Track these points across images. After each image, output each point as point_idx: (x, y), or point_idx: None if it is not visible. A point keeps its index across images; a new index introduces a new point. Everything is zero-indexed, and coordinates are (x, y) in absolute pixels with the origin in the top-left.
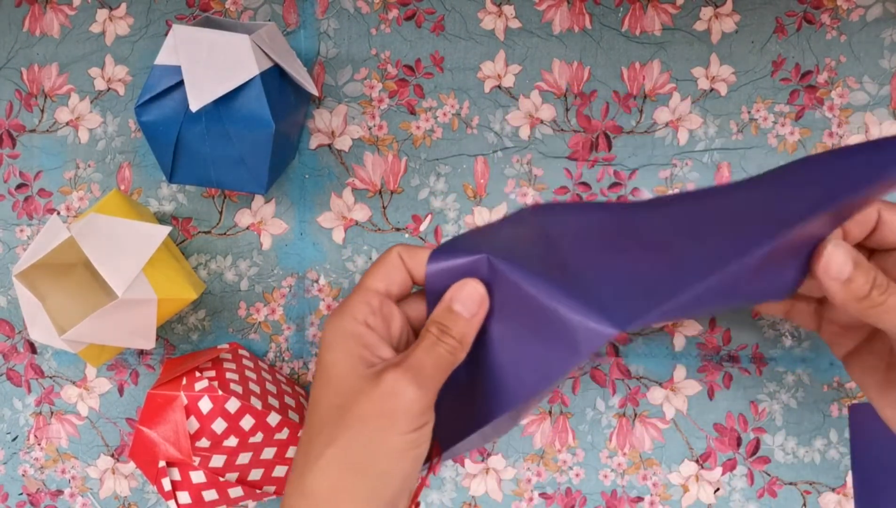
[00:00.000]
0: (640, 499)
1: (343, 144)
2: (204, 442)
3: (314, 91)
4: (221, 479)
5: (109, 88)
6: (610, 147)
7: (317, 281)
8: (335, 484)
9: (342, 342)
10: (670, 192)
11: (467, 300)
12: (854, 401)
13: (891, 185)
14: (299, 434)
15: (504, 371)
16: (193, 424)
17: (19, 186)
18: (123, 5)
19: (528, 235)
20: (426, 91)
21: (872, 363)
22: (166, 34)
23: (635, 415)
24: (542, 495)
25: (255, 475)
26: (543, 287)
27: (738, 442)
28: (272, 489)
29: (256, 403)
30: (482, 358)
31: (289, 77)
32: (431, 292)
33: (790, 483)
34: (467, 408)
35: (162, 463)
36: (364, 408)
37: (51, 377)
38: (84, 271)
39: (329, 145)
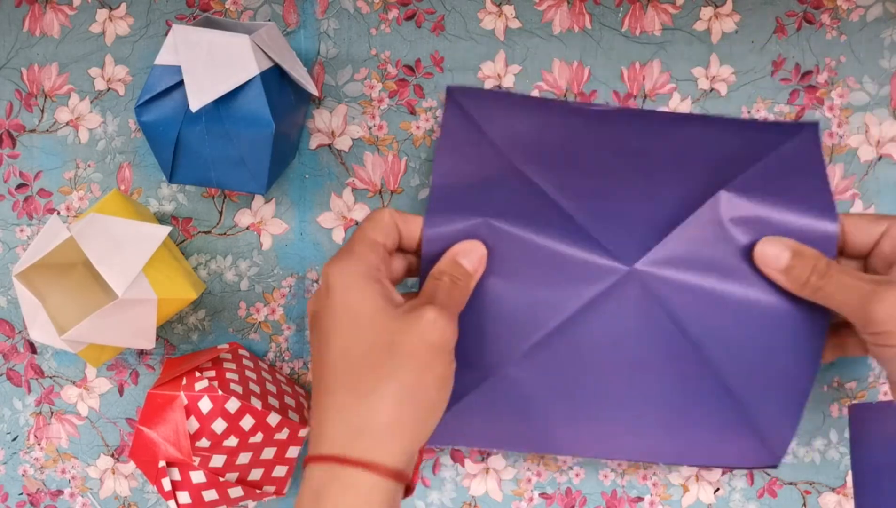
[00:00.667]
0: (640, 499)
1: (343, 144)
2: (204, 442)
3: (314, 91)
4: (221, 479)
5: (109, 88)
6: None
7: (317, 281)
8: (392, 418)
9: (362, 284)
10: None
11: (472, 255)
12: (854, 401)
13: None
14: (312, 389)
15: (513, 318)
16: (193, 424)
17: (19, 186)
18: (123, 5)
19: (520, 188)
20: (426, 91)
21: None
22: (166, 34)
23: None
24: (542, 495)
25: (255, 475)
26: (548, 236)
27: None
28: (272, 489)
29: (256, 403)
30: (487, 313)
31: (289, 77)
32: (429, 253)
33: (790, 483)
34: (477, 361)
35: (162, 463)
36: (413, 342)
37: (51, 377)
38: (84, 271)
39: (329, 145)
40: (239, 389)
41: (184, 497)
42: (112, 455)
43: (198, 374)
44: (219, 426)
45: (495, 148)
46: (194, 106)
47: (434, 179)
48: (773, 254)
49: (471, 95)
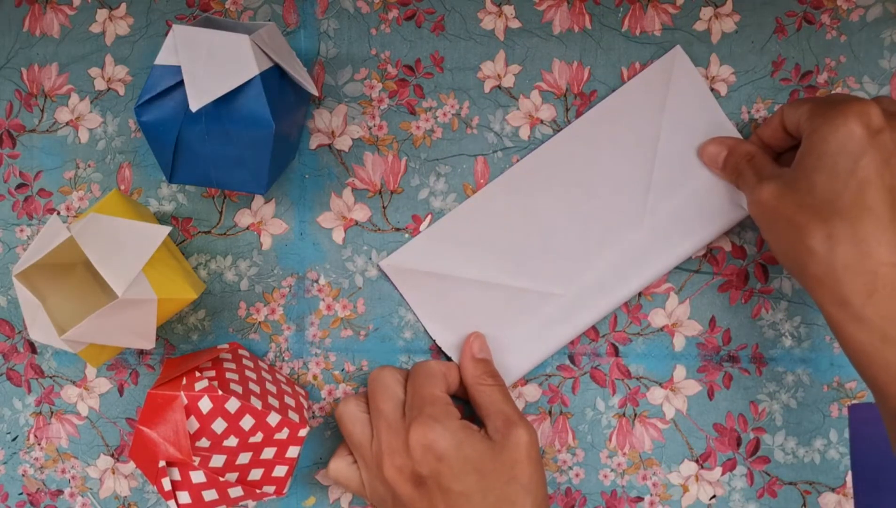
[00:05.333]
0: (639, 499)
1: (343, 144)
2: (204, 442)
3: (314, 91)
4: (221, 479)
5: (109, 88)
6: None
7: (317, 281)
8: None
9: (464, 434)
10: None
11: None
12: (854, 401)
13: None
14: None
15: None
16: (193, 424)
17: (19, 186)
18: (123, 5)
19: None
20: (426, 91)
21: None
22: (166, 34)
23: (635, 415)
24: None
25: (255, 475)
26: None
27: (738, 442)
28: (272, 489)
29: (256, 403)
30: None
31: (289, 77)
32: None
33: (790, 483)
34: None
35: (162, 463)
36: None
37: (51, 377)
38: (84, 271)
39: (329, 145)
40: (239, 389)
41: (184, 497)
42: (112, 455)
43: (198, 374)
44: (219, 426)
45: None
46: (194, 106)
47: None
48: (712, 153)
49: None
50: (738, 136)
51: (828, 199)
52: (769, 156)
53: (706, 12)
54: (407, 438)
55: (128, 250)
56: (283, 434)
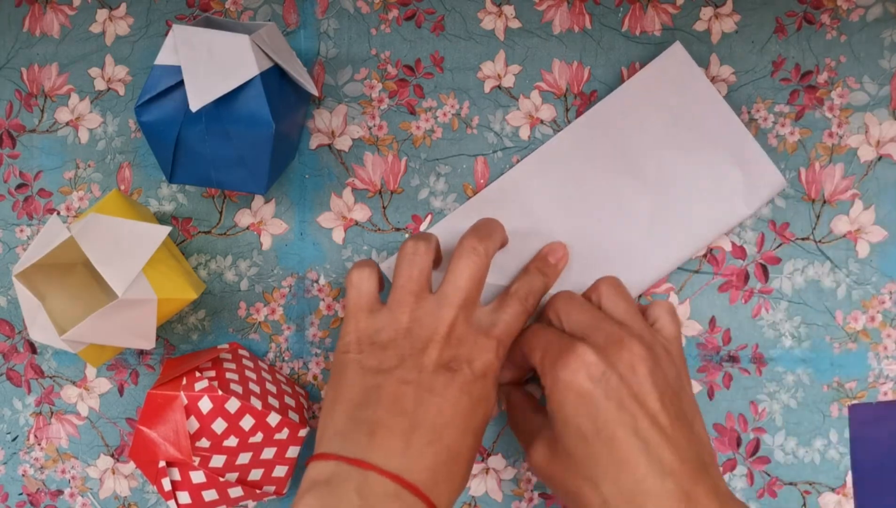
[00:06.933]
0: None
1: (343, 144)
2: (204, 442)
3: (314, 91)
4: (221, 479)
5: (109, 88)
6: None
7: (317, 281)
8: None
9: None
10: None
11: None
12: (854, 401)
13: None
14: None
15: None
16: (193, 424)
17: (19, 187)
18: (123, 5)
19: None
20: (426, 91)
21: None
22: (166, 34)
23: None
24: (542, 495)
25: (255, 475)
26: None
27: (738, 442)
28: (272, 489)
29: (256, 403)
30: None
31: (289, 77)
32: None
33: (790, 483)
34: None
35: (162, 463)
36: None
37: (51, 377)
38: (84, 271)
39: (329, 145)
40: (239, 389)
41: (184, 497)
42: (112, 455)
43: (198, 374)
44: (219, 426)
45: None
46: (194, 106)
47: None
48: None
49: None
50: (744, 127)
51: (588, 463)
52: (531, 404)
53: (706, 12)
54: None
55: (128, 250)
56: (283, 434)
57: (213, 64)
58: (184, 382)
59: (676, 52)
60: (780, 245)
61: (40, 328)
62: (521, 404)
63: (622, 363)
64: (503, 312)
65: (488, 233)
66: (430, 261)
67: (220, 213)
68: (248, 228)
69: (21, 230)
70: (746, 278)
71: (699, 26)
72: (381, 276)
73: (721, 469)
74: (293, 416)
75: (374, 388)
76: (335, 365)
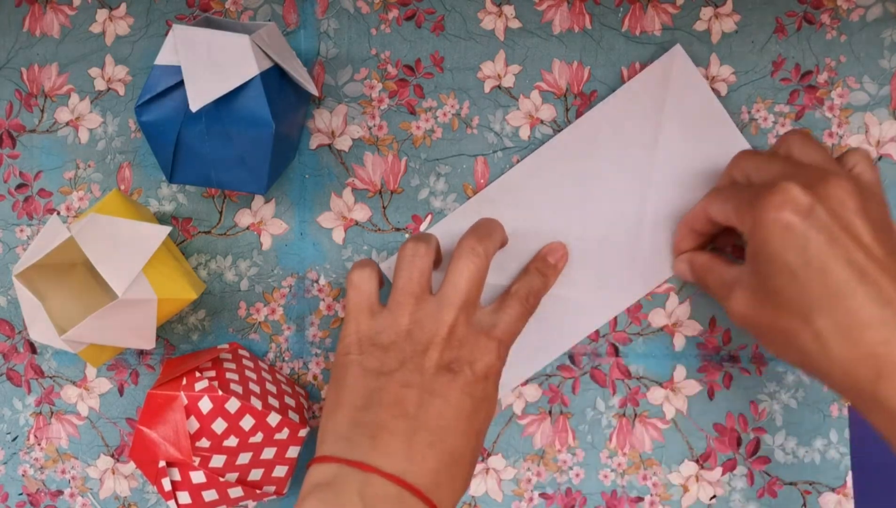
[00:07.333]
0: (640, 499)
1: (343, 144)
2: (204, 442)
3: (314, 91)
4: (221, 479)
5: (109, 88)
6: None
7: (317, 281)
8: None
9: None
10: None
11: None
12: None
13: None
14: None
15: None
16: (193, 424)
17: (19, 187)
18: (123, 5)
19: None
20: (426, 91)
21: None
22: (166, 34)
23: (635, 415)
24: (542, 495)
25: (255, 475)
26: None
27: (738, 442)
28: (272, 489)
29: (256, 403)
30: None
31: (289, 77)
32: None
33: (790, 483)
34: None
35: (162, 463)
36: None
37: (51, 377)
38: (84, 271)
39: (329, 145)
40: (239, 389)
41: (184, 497)
42: (112, 455)
43: (198, 374)
44: (219, 426)
45: None
46: (194, 106)
47: None
48: (682, 272)
49: None
50: (739, 134)
51: (797, 299)
52: (722, 259)
53: (706, 12)
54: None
55: (128, 250)
56: (284, 435)
57: (213, 64)
58: (184, 382)
59: (676, 54)
60: None
61: (40, 328)
62: (710, 262)
63: (831, 197)
64: (504, 312)
65: (488, 233)
66: (430, 262)
67: (220, 213)
68: (248, 228)
69: (21, 230)
70: None
71: (699, 26)
72: (382, 275)
73: (721, 469)
74: (293, 416)
75: (375, 390)
76: (336, 367)
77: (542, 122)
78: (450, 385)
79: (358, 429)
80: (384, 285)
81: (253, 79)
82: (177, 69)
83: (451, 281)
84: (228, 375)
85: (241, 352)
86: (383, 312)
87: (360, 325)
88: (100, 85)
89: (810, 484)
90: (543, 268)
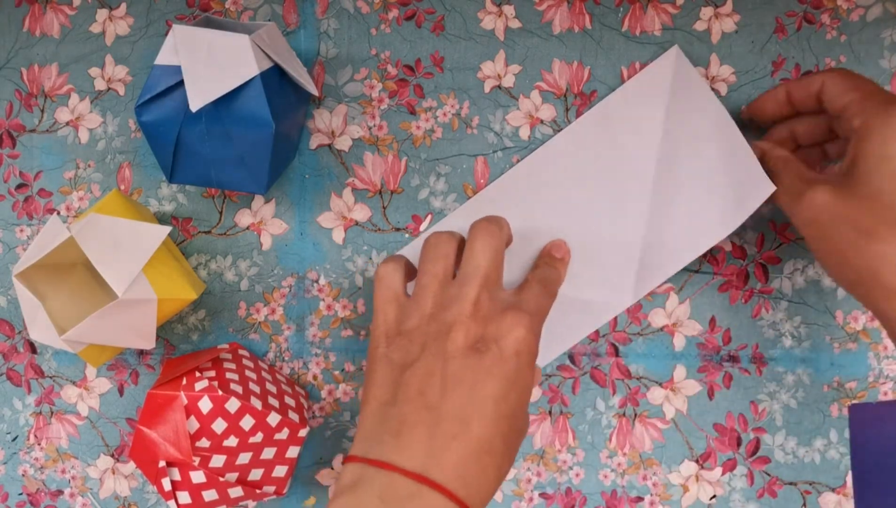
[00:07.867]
0: (640, 499)
1: (343, 144)
2: (204, 442)
3: (314, 91)
4: (221, 479)
5: (109, 88)
6: None
7: (317, 281)
8: None
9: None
10: None
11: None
12: (854, 401)
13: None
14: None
15: None
16: (193, 424)
17: (19, 187)
18: (123, 5)
19: None
20: (426, 91)
21: None
22: (166, 34)
23: (635, 415)
24: (542, 495)
25: (255, 475)
26: None
27: (738, 442)
28: (272, 489)
29: (256, 403)
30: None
31: (289, 77)
32: None
33: (790, 483)
34: None
35: (162, 463)
36: None
37: (51, 377)
38: (84, 271)
39: (329, 145)
40: (239, 389)
41: (184, 497)
42: (112, 455)
43: (198, 374)
44: (219, 426)
45: None
46: (194, 106)
47: None
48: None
49: None
50: (739, 133)
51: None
52: (799, 159)
53: (706, 12)
54: None
55: (128, 250)
56: (283, 434)
57: (213, 64)
58: (184, 382)
59: (675, 54)
60: (780, 245)
61: (40, 328)
62: (789, 157)
63: None
64: (528, 291)
65: (497, 220)
66: (455, 249)
67: (220, 213)
68: (248, 228)
69: (21, 230)
70: (746, 277)
71: (699, 26)
72: (409, 270)
73: (721, 469)
74: (293, 416)
75: (401, 385)
76: (367, 362)
77: (542, 122)
78: (475, 369)
79: (383, 426)
80: (412, 278)
81: (253, 79)
82: (177, 69)
83: (471, 260)
84: (228, 375)
85: (241, 352)
86: (409, 300)
87: (387, 316)
88: (100, 85)
89: (810, 484)
90: (552, 262)
